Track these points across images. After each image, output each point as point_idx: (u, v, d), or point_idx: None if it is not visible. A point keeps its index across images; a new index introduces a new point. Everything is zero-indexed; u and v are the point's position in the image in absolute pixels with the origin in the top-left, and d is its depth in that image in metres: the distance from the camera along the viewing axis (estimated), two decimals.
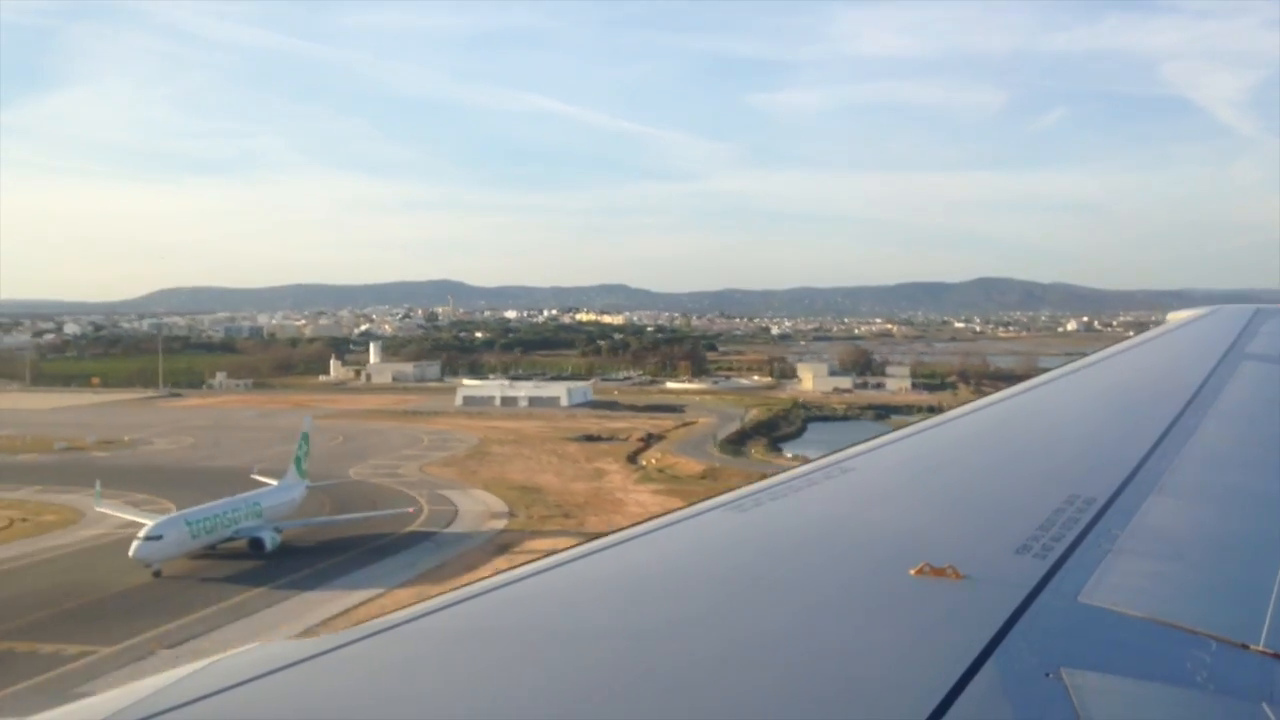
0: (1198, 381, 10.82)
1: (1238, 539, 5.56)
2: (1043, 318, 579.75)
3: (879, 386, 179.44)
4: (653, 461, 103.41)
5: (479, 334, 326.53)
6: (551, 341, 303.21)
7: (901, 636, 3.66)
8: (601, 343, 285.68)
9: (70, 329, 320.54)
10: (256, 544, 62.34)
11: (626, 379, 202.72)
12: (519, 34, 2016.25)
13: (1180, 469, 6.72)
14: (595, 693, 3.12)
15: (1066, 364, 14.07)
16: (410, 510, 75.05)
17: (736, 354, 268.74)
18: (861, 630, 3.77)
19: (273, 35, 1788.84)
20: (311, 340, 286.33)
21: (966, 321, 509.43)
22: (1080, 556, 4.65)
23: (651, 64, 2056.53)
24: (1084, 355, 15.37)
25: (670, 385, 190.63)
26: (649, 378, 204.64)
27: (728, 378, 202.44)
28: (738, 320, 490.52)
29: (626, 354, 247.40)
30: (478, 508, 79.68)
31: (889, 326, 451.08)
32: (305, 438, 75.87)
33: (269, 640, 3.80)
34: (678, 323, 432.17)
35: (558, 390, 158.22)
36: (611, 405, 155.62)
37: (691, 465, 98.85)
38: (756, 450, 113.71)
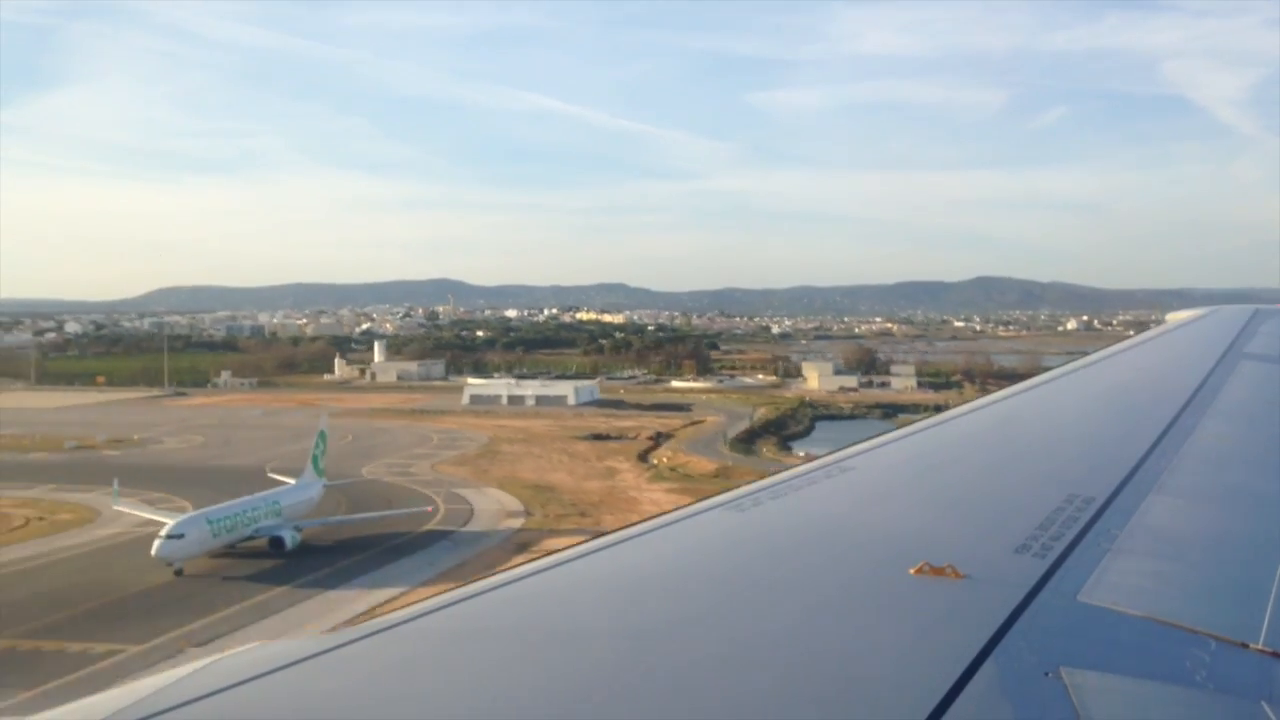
0: (1197, 381, 10.87)
1: (1237, 538, 5.57)
2: (1042, 317, 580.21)
3: (884, 385, 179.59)
4: (664, 460, 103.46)
5: (480, 333, 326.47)
6: (553, 340, 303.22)
7: (901, 636, 3.66)
8: (603, 341, 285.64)
9: (71, 328, 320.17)
10: (277, 543, 62.33)
11: (631, 378, 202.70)
12: (519, 33, 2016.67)
13: (1179, 468, 6.74)
14: (595, 693, 3.12)
15: (1067, 364, 14.16)
16: (429, 509, 75.10)
17: (738, 353, 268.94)
18: (861, 629, 3.78)
19: (272, 34, 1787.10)
20: (314, 339, 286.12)
21: (966, 320, 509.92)
22: (1079, 556, 4.65)
23: (651, 63, 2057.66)
24: (1086, 354, 15.43)
25: (675, 384, 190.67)
26: (654, 376, 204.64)
27: (732, 376, 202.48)
28: (738, 319, 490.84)
29: (629, 353, 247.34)
30: (493, 506, 79.72)
31: (889, 325, 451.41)
32: (322, 436, 75.86)
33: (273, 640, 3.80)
34: (678, 322, 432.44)
35: (565, 389, 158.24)
36: (618, 404, 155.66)
37: (704, 464, 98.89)
38: (767, 449, 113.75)
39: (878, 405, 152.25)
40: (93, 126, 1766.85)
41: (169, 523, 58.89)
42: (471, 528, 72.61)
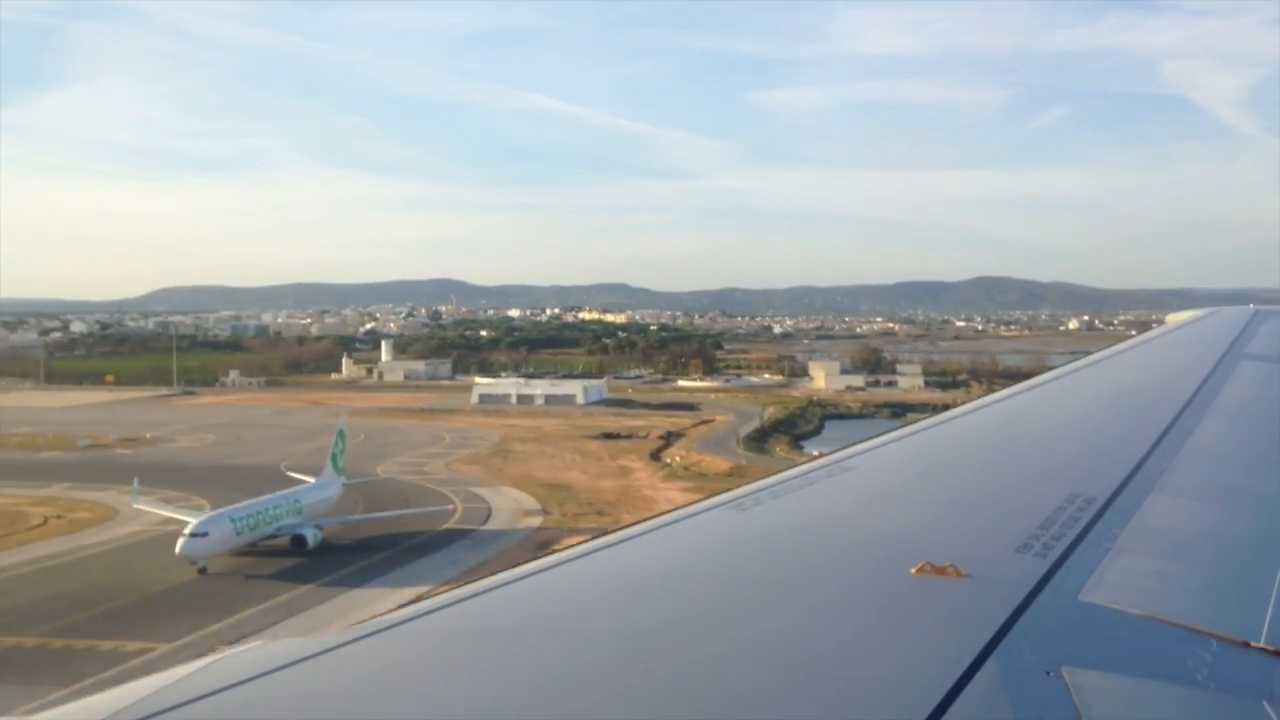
0: (1197, 382, 10.91)
1: (1238, 538, 5.58)
2: (1043, 317, 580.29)
3: (891, 385, 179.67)
4: (677, 459, 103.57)
5: (484, 333, 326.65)
6: (557, 340, 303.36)
7: (902, 635, 3.67)
8: (607, 341, 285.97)
9: (77, 327, 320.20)
10: (299, 541, 62.41)
11: (638, 377, 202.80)
12: (519, 33, 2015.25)
13: (1180, 468, 6.77)
14: (595, 692, 3.12)
15: (1069, 363, 14.25)
16: (450, 508, 75.23)
17: (742, 352, 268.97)
18: (862, 629, 3.79)
19: (273, 34, 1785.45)
20: (319, 339, 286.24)
21: (967, 320, 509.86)
22: (1081, 555, 4.66)
23: (651, 63, 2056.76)
24: (1090, 354, 15.54)
25: (682, 383, 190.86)
26: (660, 376, 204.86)
27: (738, 376, 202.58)
28: (740, 319, 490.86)
29: (633, 353, 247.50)
30: (511, 505, 79.80)
31: (891, 325, 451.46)
32: (341, 435, 75.95)
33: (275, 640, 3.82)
34: (680, 321, 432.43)
35: (574, 388, 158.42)
36: (627, 403, 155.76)
37: (717, 463, 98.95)
38: (779, 448, 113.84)
39: (886, 405, 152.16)
40: (93, 126, 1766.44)
41: (192, 521, 58.96)
42: (490, 526, 72.73)
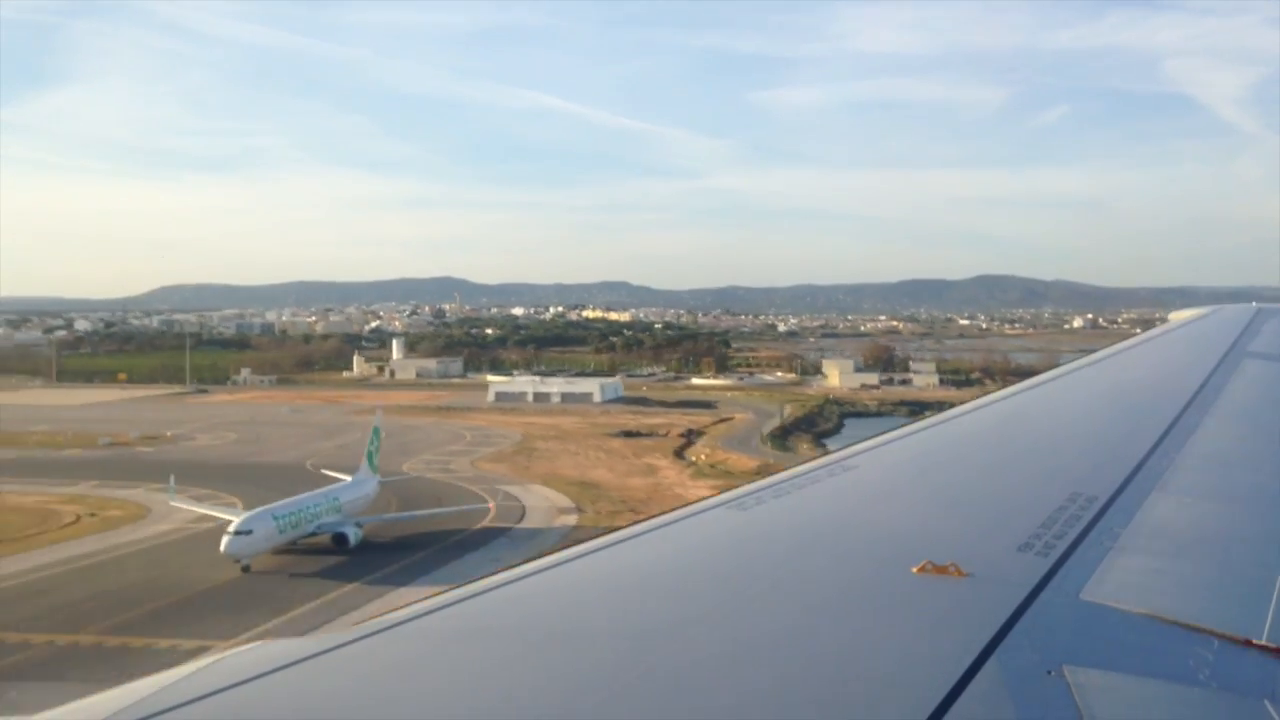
0: (1199, 380, 10.90)
1: (1239, 537, 5.55)
2: (1046, 315, 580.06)
3: (905, 383, 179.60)
4: (703, 457, 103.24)
5: (489, 331, 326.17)
6: (563, 338, 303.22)
7: (904, 634, 3.68)
8: (614, 339, 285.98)
9: (81, 325, 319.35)
10: (340, 539, 62.00)
11: (651, 375, 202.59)
12: (519, 31, 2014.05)
13: (1182, 467, 6.75)
14: (596, 692, 3.13)
15: (1071, 362, 14.25)
16: (490, 505, 74.93)
17: (750, 350, 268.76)
18: (864, 628, 3.78)
19: (273, 32, 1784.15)
20: (325, 337, 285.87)
21: (971, 319, 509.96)
22: (1082, 554, 4.66)
23: (652, 61, 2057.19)
24: (1096, 353, 15.50)
25: (696, 381, 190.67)
26: (673, 374, 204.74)
27: (751, 374, 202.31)
28: (743, 317, 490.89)
29: (641, 350, 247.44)
30: (543, 503, 79.48)
31: (895, 323, 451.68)
32: (376, 432, 75.73)
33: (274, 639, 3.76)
34: (684, 320, 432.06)
35: (590, 386, 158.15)
36: (643, 401, 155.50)
37: (744, 461, 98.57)
38: (803, 446, 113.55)
39: (903, 402, 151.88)
40: (94, 124, 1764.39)
41: (235, 519, 58.57)
42: (526, 525, 72.35)
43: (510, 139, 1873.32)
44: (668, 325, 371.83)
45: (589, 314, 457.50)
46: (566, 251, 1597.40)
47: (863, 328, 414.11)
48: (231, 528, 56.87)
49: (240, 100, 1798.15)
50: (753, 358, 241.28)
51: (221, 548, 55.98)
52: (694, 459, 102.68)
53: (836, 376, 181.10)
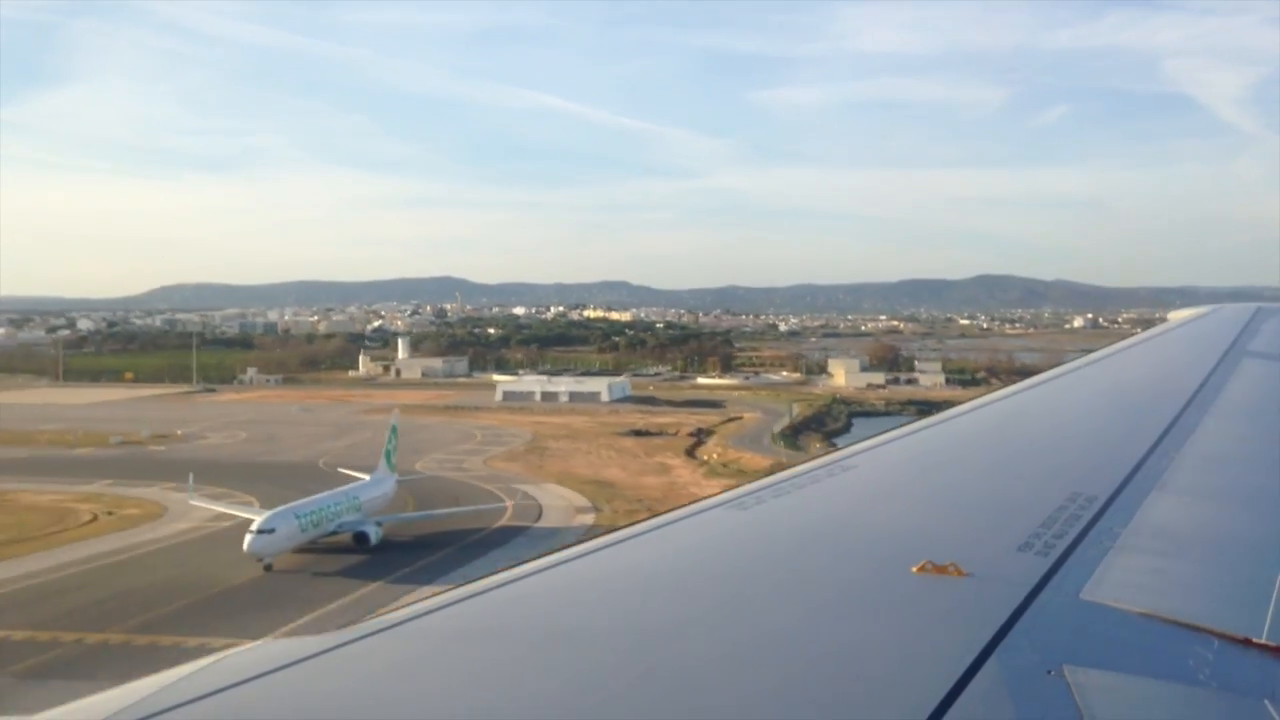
0: (1199, 380, 10.91)
1: (1239, 537, 5.56)
2: (1046, 315, 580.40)
3: (911, 382, 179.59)
4: (715, 456, 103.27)
5: (491, 330, 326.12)
6: (565, 338, 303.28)
7: (903, 634, 3.67)
8: (617, 339, 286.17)
9: (84, 325, 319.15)
10: (361, 538, 61.96)
11: (657, 374, 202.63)
12: (519, 31, 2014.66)
13: (1181, 467, 6.76)
14: (596, 692, 3.13)
15: (1071, 361, 14.28)
16: (509, 504, 74.96)
17: (752, 350, 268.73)
18: (863, 628, 3.78)
19: (273, 32, 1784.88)
20: (328, 336, 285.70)
21: (971, 319, 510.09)
22: (1082, 554, 4.66)
23: (652, 60, 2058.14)
24: (1095, 352, 15.54)
25: (701, 380, 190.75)
26: (678, 373, 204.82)
27: (756, 373, 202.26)
28: (744, 317, 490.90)
29: (644, 350, 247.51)
30: (559, 502, 79.50)
31: (895, 323, 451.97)
32: (394, 431, 75.69)
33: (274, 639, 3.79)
34: (685, 319, 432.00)
35: (598, 386, 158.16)
36: (650, 400, 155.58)
37: (757, 459, 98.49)
38: (814, 445, 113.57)
39: (910, 402, 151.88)
40: (94, 124, 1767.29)
41: (256, 518, 58.52)
42: (544, 524, 72.34)
43: (510, 139, 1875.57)
44: (669, 325, 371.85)
45: (590, 314, 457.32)
46: (566, 251, 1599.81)
47: (864, 327, 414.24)
48: (254, 526, 56.80)
49: (240, 100, 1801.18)
50: (756, 357, 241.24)
51: (244, 546, 55.92)
52: (706, 458, 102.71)
53: (843, 376, 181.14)
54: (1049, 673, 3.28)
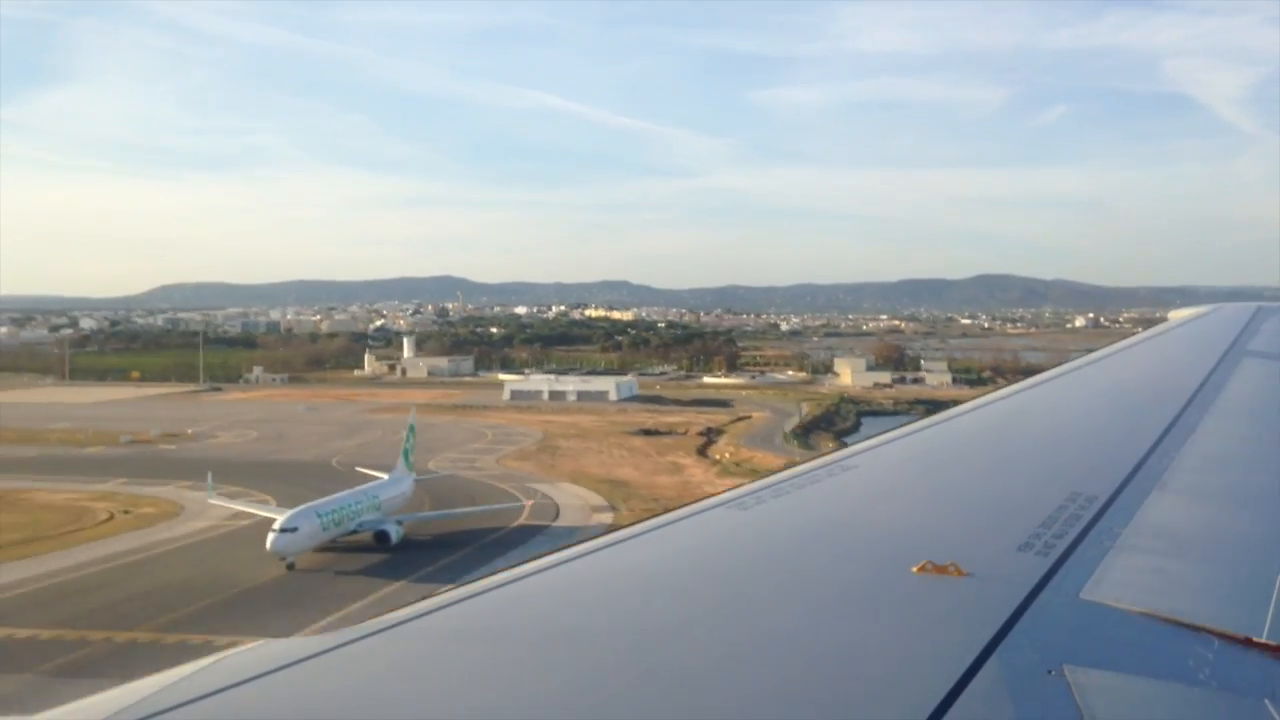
0: (1199, 379, 10.88)
1: (1239, 536, 5.56)
2: (1047, 314, 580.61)
3: (918, 381, 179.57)
4: (727, 455, 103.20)
5: (494, 329, 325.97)
6: (568, 337, 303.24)
7: (903, 634, 3.68)
8: (620, 338, 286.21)
9: (86, 324, 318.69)
10: (382, 537, 61.93)
11: (663, 374, 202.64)
12: (519, 30, 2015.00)
13: (1182, 466, 6.74)
14: (596, 692, 3.13)
15: (1071, 361, 14.27)
16: (529, 503, 74.85)
17: (755, 349, 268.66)
18: (864, 628, 3.78)
19: (274, 31, 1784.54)
20: (331, 336, 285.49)
21: (972, 318, 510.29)
22: (1082, 554, 4.66)
23: (652, 60, 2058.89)
24: (1096, 351, 15.52)
25: (708, 380, 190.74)
26: (684, 372, 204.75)
27: (762, 372, 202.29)
28: (745, 316, 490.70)
29: (647, 349, 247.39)
30: (575, 501, 79.43)
31: (897, 323, 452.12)
32: (412, 430, 75.58)
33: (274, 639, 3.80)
34: (687, 319, 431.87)
35: (605, 385, 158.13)
36: (657, 399, 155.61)
37: (769, 459, 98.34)
38: (826, 444, 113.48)
39: (918, 401, 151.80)
40: (94, 123, 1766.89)
41: (278, 517, 58.37)
42: (562, 523, 72.23)
43: (510, 138, 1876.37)
44: (671, 324, 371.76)
45: (592, 313, 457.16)
46: (566, 251, 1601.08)
47: (865, 327, 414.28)
48: (277, 525, 56.68)
49: (240, 99, 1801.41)
50: (760, 356, 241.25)
51: (267, 545, 55.85)
52: (718, 457, 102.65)
53: (849, 375, 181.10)
54: (1049, 673, 3.27)
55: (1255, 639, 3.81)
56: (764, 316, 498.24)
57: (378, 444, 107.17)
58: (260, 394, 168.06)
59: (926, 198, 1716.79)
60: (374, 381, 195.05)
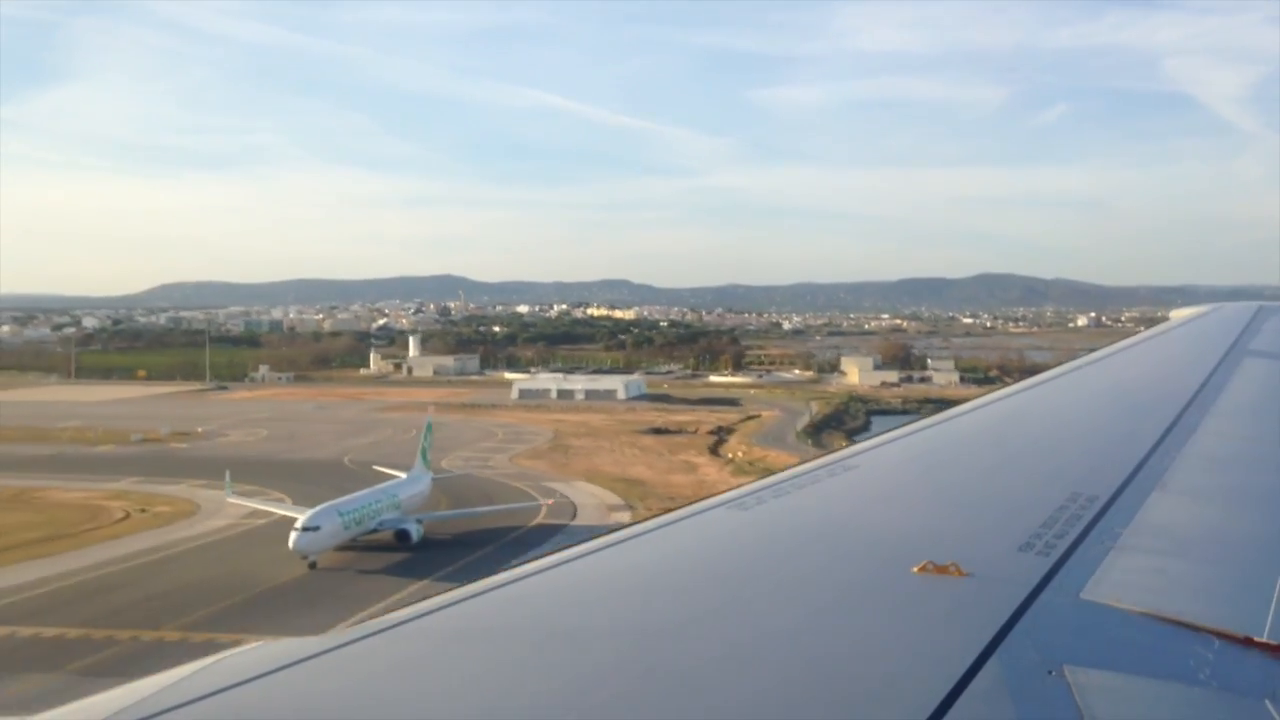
0: (1200, 379, 10.87)
1: (1240, 536, 5.56)
2: (1048, 313, 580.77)
3: (925, 380, 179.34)
4: (740, 454, 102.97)
5: (497, 328, 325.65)
6: (571, 336, 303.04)
7: (904, 634, 3.68)
8: (624, 337, 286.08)
9: (88, 322, 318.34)
10: (403, 536, 61.70)
11: (669, 373, 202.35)
12: (519, 29, 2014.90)
13: (1182, 466, 6.74)
14: (597, 692, 3.14)
15: (1072, 360, 14.26)
16: (550, 502, 74.64)
17: (759, 348, 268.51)
18: (864, 628, 3.79)
19: (274, 30, 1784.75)
20: (335, 334, 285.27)
21: (974, 317, 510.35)
22: (1083, 554, 4.67)
23: (652, 59, 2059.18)
24: (1097, 351, 15.48)
25: (714, 379, 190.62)
26: (690, 371, 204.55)
27: (768, 371, 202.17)
28: (746, 315, 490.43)
29: (651, 348, 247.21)
30: (592, 500, 79.25)
31: (899, 322, 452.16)
32: (429, 429, 75.34)
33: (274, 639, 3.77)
34: (689, 318, 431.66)
35: (614, 384, 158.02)
36: (666, 398, 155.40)
37: (783, 457, 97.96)
38: (839, 443, 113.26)
39: (927, 400, 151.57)
40: (94, 122, 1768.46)
41: (300, 516, 58.08)
42: (580, 521, 71.95)
43: (510, 137, 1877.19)
44: (673, 323, 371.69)
45: (594, 312, 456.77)
46: (567, 249, 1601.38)
47: (867, 326, 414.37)
48: (299, 524, 56.43)
49: (240, 98, 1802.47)
50: (765, 355, 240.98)
51: (290, 544, 55.63)
52: (731, 456, 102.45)
53: (856, 374, 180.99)
54: (1049, 673, 3.27)
55: (1255, 639, 3.79)
56: (765, 315, 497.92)
57: (388, 443, 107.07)
58: (267, 393, 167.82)
59: (927, 197, 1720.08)
60: (380, 380, 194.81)
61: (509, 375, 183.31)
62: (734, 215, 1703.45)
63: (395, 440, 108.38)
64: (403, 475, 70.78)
